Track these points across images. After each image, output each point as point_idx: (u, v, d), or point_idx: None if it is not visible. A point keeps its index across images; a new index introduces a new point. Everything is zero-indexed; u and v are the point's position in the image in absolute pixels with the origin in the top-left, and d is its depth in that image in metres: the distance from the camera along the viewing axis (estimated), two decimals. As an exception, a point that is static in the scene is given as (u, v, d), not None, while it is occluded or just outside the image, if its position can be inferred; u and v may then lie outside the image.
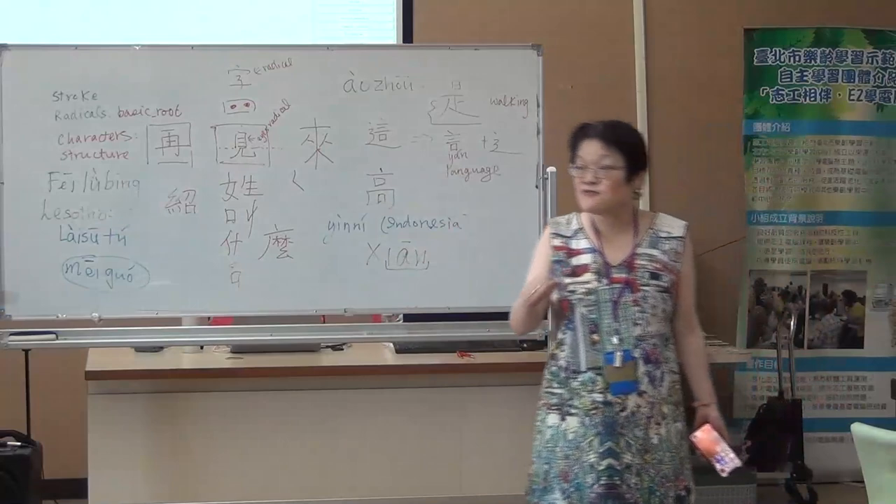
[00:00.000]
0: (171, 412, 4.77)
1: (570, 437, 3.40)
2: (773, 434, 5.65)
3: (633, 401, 3.39)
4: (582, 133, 3.51)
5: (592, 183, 3.44)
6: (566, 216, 3.61)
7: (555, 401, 3.44)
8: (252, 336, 4.85)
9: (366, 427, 4.83)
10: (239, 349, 4.98)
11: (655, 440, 3.41)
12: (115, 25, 5.67)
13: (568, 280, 3.44)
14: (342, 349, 5.14)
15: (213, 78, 4.67)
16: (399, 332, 5.01)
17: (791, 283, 6.04)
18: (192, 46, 4.75)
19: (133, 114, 4.63)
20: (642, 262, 3.48)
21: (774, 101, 5.98)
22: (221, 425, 4.77)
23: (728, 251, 6.10)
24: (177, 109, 4.65)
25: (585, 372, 3.40)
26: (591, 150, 3.47)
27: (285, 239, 4.71)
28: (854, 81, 5.98)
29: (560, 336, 3.49)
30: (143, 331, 4.72)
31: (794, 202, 6.01)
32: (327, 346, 5.12)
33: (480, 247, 4.77)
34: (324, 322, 4.93)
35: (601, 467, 3.36)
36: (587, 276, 3.43)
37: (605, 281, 3.43)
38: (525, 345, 5.00)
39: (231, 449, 4.76)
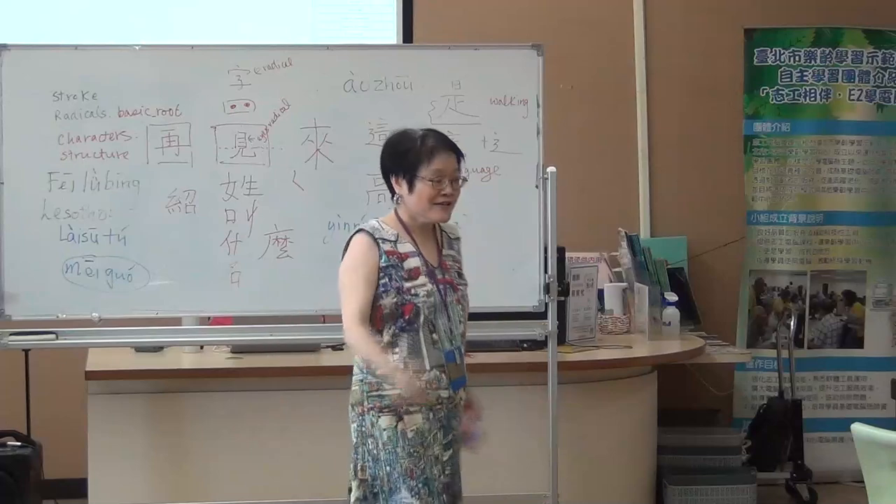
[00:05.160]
0: (171, 412, 4.77)
1: (411, 435, 3.46)
2: (773, 434, 5.65)
3: (460, 394, 3.58)
4: (434, 145, 3.50)
5: (451, 195, 3.52)
6: (374, 223, 3.57)
7: (387, 402, 3.47)
8: (252, 336, 4.84)
9: (366, 427, 4.82)
10: (239, 349, 4.98)
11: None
12: (115, 25, 5.67)
13: (408, 284, 3.48)
14: (342, 349, 5.13)
15: (213, 78, 4.67)
16: (399, 332, 5.01)
17: (791, 283, 6.05)
18: (192, 46, 4.75)
19: (133, 114, 4.63)
20: (450, 264, 3.61)
21: (774, 101, 5.99)
22: (221, 425, 4.77)
23: (728, 251, 6.10)
24: (177, 109, 4.65)
25: (430, 370, 3.49)
26: (450, 163, 3.51)
27: (285, 239, 4.71)
28: (854, 81, 5.98)
29: (389, 338, 3.49)
30: (143, 331, 4.72)
31: (794, 202, 6.01)
32: (327, 346, 5.11)
33: (480, 247, 4.75)
34: (324, 322, 4.92)
35: (445, 458, 3.53)
36: (422, 279, 3.50)
37: (434, 282, 3.52)
38: (525, 345, 5.00)
39: (231, 449, 4.76)
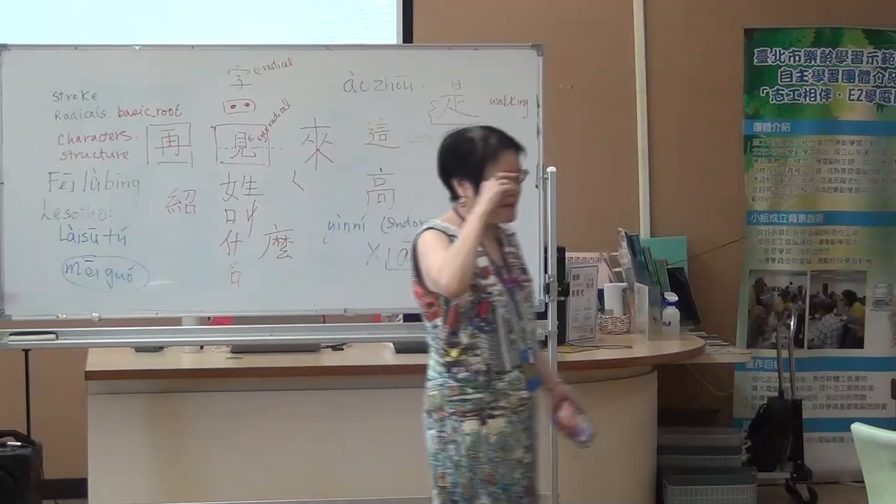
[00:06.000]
0: (171, 412, 4.77)
1: (494, 439, 3.36)
2: (773, 434, 5.65)
3: (536, 394, 3.47)
4: (497, 145, 3.36)
5: (516, 194, 3.37)
6: (438, 223, 3.44)
7: (470, 407, 3.36)
8: (252, 336, 4.84)
9: (366, 427, 4.82)
10: (239, 349, 4.98)
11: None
12: (115, 25, 5.67)
13: (483, 282, 3.37)
14: (342, 349, 5.13)
15: (213, 78, 4.67)
16: (399, 332, 5.00)
17: (791, 283, 6.05)
18: (192, 46, 4.75)
19: (133, 114, 4.63)
20: (513, 261, 3.48)
21: (774, 101, 5.99)
22: (221, 425, 4.76)
23: (728, 251, 6.10)
24: (177, 109, 4.65)
25: (511, 371, 3.38)
26: (514, 161, 3.38)
27: (285, 239, 4.71)
28: (854, 81, 5.99)
29: (469, 340, 3.38)
30: (143, 331, 4.72)
31: (794, 202, 6.01)
32: (327, 346, 5.11)
33: (480, 247, 4.77)
34: (324, 322, 4.93)
35: (527, 461, 3.43)
36: (492, 279, 3.38)
37: (502, 282, 3.40)
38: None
39: (231, 449, 4.76)
